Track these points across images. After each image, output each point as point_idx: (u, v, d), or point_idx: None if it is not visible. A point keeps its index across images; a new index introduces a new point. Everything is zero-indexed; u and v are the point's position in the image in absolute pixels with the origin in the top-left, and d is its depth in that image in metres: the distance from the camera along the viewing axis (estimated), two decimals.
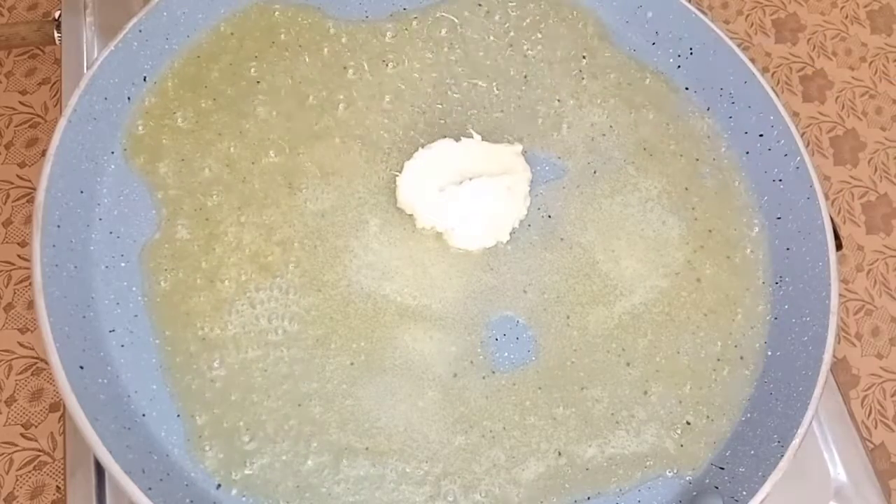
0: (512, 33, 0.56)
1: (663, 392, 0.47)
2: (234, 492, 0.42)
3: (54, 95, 1.13)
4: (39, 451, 0.92)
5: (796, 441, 0.43)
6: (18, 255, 1.03)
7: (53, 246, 0.43)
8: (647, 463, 0.45)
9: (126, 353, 0.44)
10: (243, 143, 0.50)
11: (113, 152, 0.48)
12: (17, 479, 0.91)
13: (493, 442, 0.44)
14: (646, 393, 0.47)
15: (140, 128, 0.49)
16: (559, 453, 0.45)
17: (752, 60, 0.53)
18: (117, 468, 0.38)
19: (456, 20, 0.56)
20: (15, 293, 1.00)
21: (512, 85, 0.55)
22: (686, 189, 0.53)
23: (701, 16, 0.54)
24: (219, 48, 0.53)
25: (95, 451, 0.38)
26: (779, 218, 0.51)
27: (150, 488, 0.38)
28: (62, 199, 0.45)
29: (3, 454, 0.92)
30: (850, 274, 1.15)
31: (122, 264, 0.46)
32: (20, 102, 1.12)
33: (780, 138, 0.52)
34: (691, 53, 0.56)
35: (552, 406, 0.46)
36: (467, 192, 0.48)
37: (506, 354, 0.47)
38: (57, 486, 0.91)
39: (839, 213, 1.19)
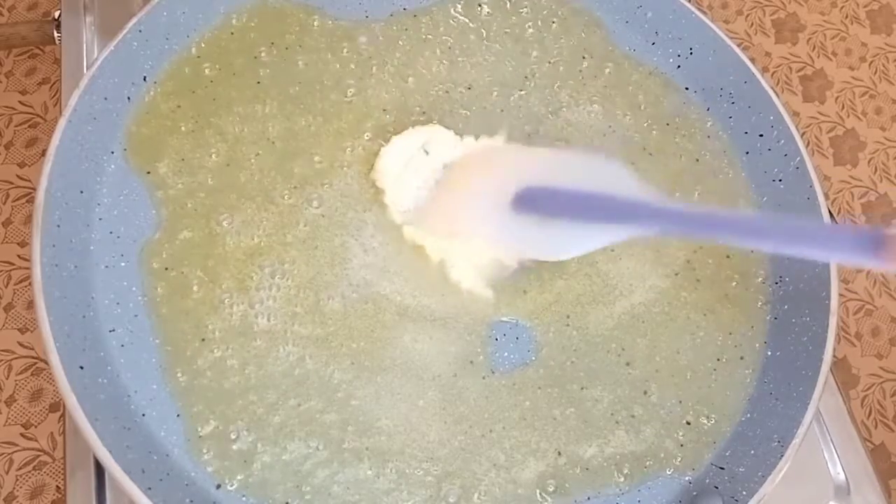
0: (512, 33, 0.56)
1: (663, 392, 0.47)
2: (233, 492, 0.42)
3: (54, 95, 1.13)
4: (39, 451, 0.93)
5: (796, 441, 0.43)
6: (18, 255, 1.03)
7: (53, 246, 0.43)
8: (647, 463, 0.45)
9: (126, 353, 0.44)
10: (243, 142, 0.50)
11: (113, 152, 0.48)
12: (17, 479, 0.91)
13: (493, 442, 0.44)
14: (646, 393, 0.47)
15: (140, 128, 0.49)
16: (559, 453, 0.45)
17: (752, 60, 0.53)
18: (117, 468, 0.38)
19: (456, 20, 0.56)
20: (15, 293, 1.01)
21: (512, 85, 0.55)
22: (686, 189, 0.53)
23: (701, 16, 0.54)
24: (219, 48, 0.53)
25: (95, 451, 0.38)
26: None
27: (149, 488, 0.38)
28: (62, 199, 0.45)
29: (3, 454, 0.92)
30: (850, 274, 1.15)
31: (122, 264, 0.46)
32: (20, 102, 1.13)
33: (780, 138, 0.52)
34: (691, 53, 0.56)
35: (552, 406, 0.46)
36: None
37: (506, 354, 0.47)
38: (57, 486, 0.91)
39: (839, 212, 1.19)
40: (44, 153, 0.45)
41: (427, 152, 0.50)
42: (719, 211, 0.47)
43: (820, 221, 0.49)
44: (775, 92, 0.52)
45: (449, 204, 0.47)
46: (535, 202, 0.43)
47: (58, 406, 0.95)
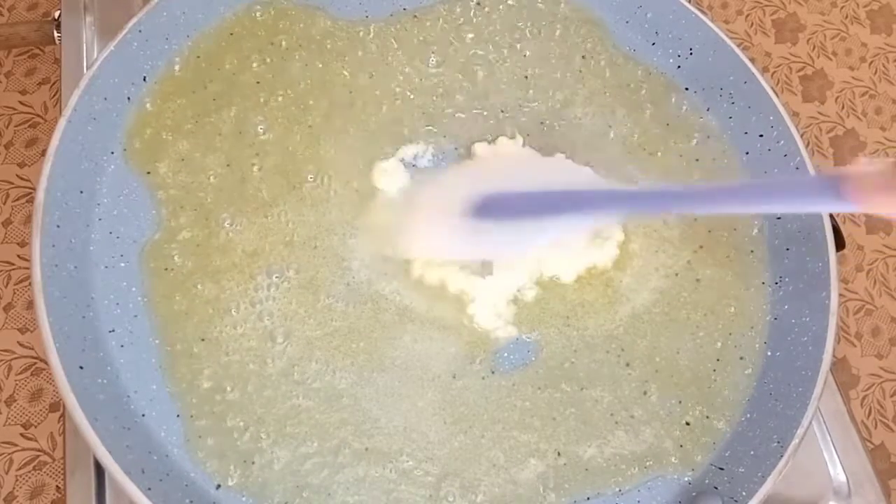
0: (511, 33, 0.56)
1: (663, 392, 0.47)
2: (233, 492, 0.42)
3: (54, 95, 1.13)
4: (39, 451, 0.92)
5: (796, 441, 0.43)
6: (18, 255, 1.03)
7: (53, 246, 0.43)
8: (647, 463, 0.45)
9: (126, 353, 0.44)
10: (243, 142, 0.50)
11: (113, 152, 0.48)
12: (17, 479, 0.91)
13: (493, 442, 0.44)
14: (645, 393, 0.47)
15: (140, 128, 0.49)
16: (559, 453, 0.45)
17: (752, 60, 0.53)
18: (117, 468, 0.38)
19: (456, 20, 0.56)
20: (15, 293, 1.00)
21: (512, 85, 0.55)
22: None
23: (701, 16, 0.54)
24: (218, 48, 0.53)
25: (95, 451, 0.39)
26: (779, 218, 0.51)
27: (149, 488, 0.39)
28: (62, 199, 0.45)
29: (3, 454, 0.92)
30: (850, 274, 1.15)
31: (122, 264, 0.46)
32: (20, 102, 1.12)
33: (780, 138, 0.52)
34: (691, 53, 0.56)
35: (552, 406, 0.46)
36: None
37: (506, 354, 0.47)
38: (57, 486, 0.91)
39: (839, 213, 1.19)
40: (44, 153, 0.44)
41: (423, 157, 0.50)
42: (675, 186, 0.51)
43: (779, 176, 0.51)
44: (775, 92, 0.52)
45: (412, 226, 0.48)
46: (493, 208, 0.44)
47: (58, 406, 0.94)
